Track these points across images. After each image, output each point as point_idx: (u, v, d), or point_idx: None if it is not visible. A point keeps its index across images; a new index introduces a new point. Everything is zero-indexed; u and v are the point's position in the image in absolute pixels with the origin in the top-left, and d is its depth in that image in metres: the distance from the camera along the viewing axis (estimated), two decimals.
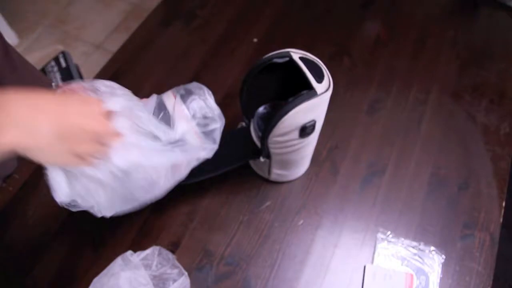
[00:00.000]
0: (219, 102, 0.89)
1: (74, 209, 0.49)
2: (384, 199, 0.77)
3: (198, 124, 0.57)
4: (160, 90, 0.91)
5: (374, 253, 0.71)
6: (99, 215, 0.51)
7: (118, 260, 0.66)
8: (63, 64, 1.62)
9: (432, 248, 0.71)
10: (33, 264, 0.66)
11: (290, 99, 0.58)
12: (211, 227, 0.74)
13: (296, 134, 0.62)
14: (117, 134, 0.47)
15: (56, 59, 1.63)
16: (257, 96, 0.70)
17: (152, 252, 0.67)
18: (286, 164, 0.72)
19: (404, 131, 0.85)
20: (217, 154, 0.74)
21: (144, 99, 0.58)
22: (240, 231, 0.74)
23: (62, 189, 0.46)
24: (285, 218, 0.75)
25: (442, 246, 0.72)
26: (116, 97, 0.49)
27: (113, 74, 0.93)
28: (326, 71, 0.61)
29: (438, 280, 0.69)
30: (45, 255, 0.70)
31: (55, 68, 1.61)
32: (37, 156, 0.42)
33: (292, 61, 0.61)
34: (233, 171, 0.71)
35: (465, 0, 1.10)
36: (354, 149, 0.83)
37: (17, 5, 2.10)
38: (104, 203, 0.51)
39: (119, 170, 0.47)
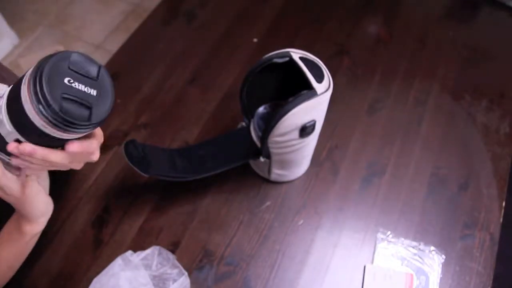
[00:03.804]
0: (219, 102, 0.90)
1: None
2: (384, 199, 0.77)
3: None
4: (160, 90, 0.91)
5: (374, 253, 0.71)
6: None
7: (118, 260, 0.66)
8: None
9: (432, 248, 0.71)
10: (33, 264, 0.66)
11: (290, 99, 0.58)
12: (211, 227, 0.74)
13: (296, 134, 0.62)
14: None
15: None
16: (257, 96, 0.70)
17: (152, 252, 0.67)
18: (286, 164, 0.72)
19: (404, 131, 0.85)
20: (217, 153, 0.74)
21: None
22: (240, 231, 0.74)
23: None
24: (285, 218, 0.75)
25: (442, 246, 0.72)
26: None
27: (113, 74, 0.92)
28: (326, 71, 0.61)
29: (438, 280, 0.69)
30: (45, 255, 0.70)
31: None
32: None
33: (292, 61, 0.61)
34: (233, 171, 0.71)
35: (465, 0, 1.10)
36: (354, 149, 0.83)
37: (17, 5, 2.10)
38: None
39: None
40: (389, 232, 0.73)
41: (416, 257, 0.71)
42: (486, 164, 0.81)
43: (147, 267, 0.66)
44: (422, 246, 0.71)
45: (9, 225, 0.61)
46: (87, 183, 0.78)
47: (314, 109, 0.60)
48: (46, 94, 0.36)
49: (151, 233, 0.73)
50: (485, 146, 0.83)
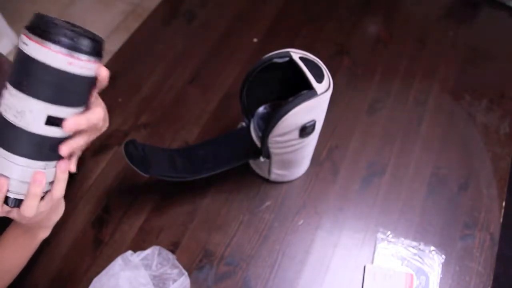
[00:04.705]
0: (219, 102, 0.90)
1: None
2: (384, 199, 0.77)
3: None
4: (160, 90, 0.91)
5: (374, 253, 0.71)
6: None
7: (118, 260, 0.66)
8: None
9: (432, 248, 0.71)
10: (33, 264, 0.66)
11: (290, 99, 0.58)
12: (211, 227, 0.74)
13: (296, 134, 0.62)
14: None
15: None
16: (257, 96, 0.70)
17: (152, 252, 0.67)
18: (286, 164, 0.72)
19: (404, 131, 0.85)
20: (217, 153, 0.74)
21: None
22: (240, 231, 0.74)
23: None
24: (285, 218, 0.75)
25: (442, 246, 0.72)
26: None
27: (113, 74, 0.92)
28: (326, 71, 0.61)
29: (438, 280, 0.69)
30: (45, 255, 0.70)
31: None
32: None
33: (292, 61, 0.61)
34: (233, 171, 0.71)
35: (465, 0, 1.10)
36: (354, 149, 0.83)
37: (17, 5, 2.10)
38: None
39: None
40: (389, 232, 0.73)
41: (416, 257, 0.71)
42: (486, 164, 0.81)
43: (147, 267, 0.66)
44: (422, 246, 0.71)
45: (13, 231, 0.59)
46: (87, 183, 0.78)
47: (314, 109, 0.60)
48: (63, 28, 0.38)
49: (151, 233, 0.73)
50: (485, 146, 0.83)
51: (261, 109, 0.74)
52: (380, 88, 0.92)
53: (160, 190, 0.78)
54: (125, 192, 0.78)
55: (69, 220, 0.74)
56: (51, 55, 0.38)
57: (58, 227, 0.73)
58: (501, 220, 0.75)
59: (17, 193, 0.44)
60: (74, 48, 0.39)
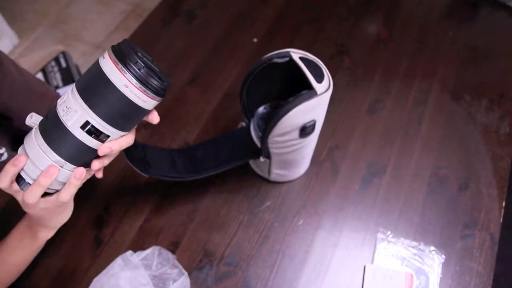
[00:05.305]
0: (219, 102, 0.90)
1: None
2: (384, 199, 0.77)
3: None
4: None
5: (374, 253, 0.71)
6: None
7: (118, 260, 0.66)
8: (63, 64, 1.62)
9: (432, 248, 0.71)
10: (33, 264, 0.66)
11: (290, 99, 0.58)
12: (211, 227, 0.74)
13: (296, 134, 0.62)
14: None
15: (56, 59, 1.64)
16: (257, 96, 0.70)
17: (152, 252, 0.67)
18: (286, 164, 0.72)
19: (404, 131, 0.85)
20: (217, 153, 0.74)
21: None
22: (240, 231, 0.74)
23: None
24: (285, 218, 0.75)
25: (442, 246, 0.72)
26: None
27: None
28: (326, 71, 0.61)
29: (438, 280, 0.69)
30: (45, 255, 0.70)
31: (55, 68, 1.61)
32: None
33: (292, 61, 0.61)
34: (233, 171, 0.71)
35: (465, 0, 1.10)
36: (354, 149, 0.83)
37: (17, 5, 2.10)
38: None
39: None
40: (389, 232, 0.73)
41: (416, 257, 0.71)
42: (486, 164, 0.81)
43: (147, 267, 0.66)
44: (422, 246, 0.71)
45: (19, 231, 0.60)
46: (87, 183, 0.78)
47: (314, 109, 0.60)
48: (141, 62, 0.42)
49: (151, 233, 0.73)
50: (485, 146, 0.83)
51: (261, 109, 0.74)
52: (380, 88, 0.92)
53: (160, 190, 0.78)
54: (125, 192, 0.78)
55: (69, 220, 0.74)
56: (119, 77, 0.41)
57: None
58: (501, 220, 0.75)
59: (29, 177, 0.47)
60: (142, 80, 0.42)
